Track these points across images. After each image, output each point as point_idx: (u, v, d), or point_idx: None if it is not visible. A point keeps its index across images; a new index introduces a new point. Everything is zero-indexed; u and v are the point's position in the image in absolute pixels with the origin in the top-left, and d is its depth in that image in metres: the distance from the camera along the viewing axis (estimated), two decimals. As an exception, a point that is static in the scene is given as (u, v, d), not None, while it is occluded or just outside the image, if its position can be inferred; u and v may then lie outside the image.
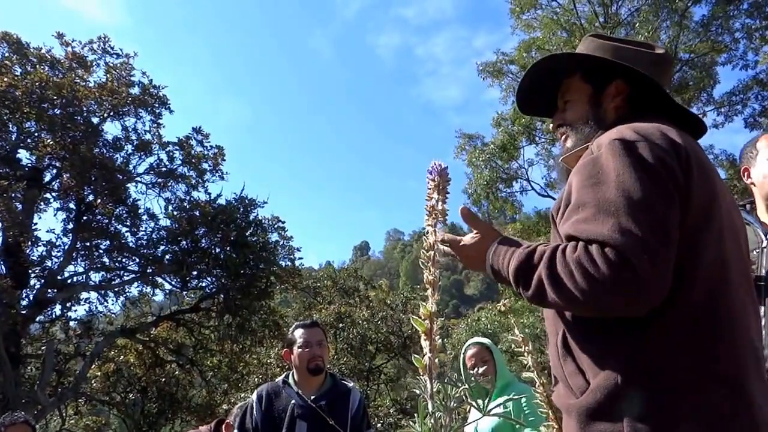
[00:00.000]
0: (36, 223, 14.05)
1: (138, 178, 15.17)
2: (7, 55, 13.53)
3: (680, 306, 1.13)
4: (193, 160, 15.36)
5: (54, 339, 14.77)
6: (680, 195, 1.15)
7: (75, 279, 14.88)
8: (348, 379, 3.35)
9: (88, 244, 14.78)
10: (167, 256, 15.12)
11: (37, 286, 13.99)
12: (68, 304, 14.79)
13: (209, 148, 15.64)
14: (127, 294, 16.00)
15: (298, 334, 3.17)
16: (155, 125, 15.26)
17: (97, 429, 18.26)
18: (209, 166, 15.59)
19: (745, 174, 2.29)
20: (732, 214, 1.29)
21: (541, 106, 1.63)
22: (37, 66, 13.69)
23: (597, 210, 1.13)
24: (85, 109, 13.92)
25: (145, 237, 15.25)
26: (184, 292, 16.45)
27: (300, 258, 16.85)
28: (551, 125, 1.57)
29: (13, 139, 13.58)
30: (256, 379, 16.42)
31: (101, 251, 15.06)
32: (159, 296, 16.93)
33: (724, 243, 1.21)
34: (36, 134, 13.69)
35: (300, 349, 3.10)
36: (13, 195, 13.22)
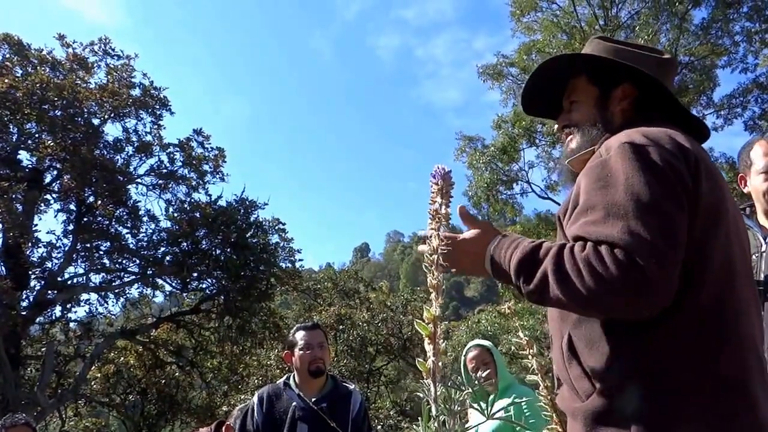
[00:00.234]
0: (36, 225, 14.09)
1: (138, 180, 15.20)
2: (8, 56, 13.56)
3: (687, 309, 1.13)
4: (194, 162, 15.38)
5: (54, 340, 14.79)
6: (689, 199, 1.15)
7: (75, 280, 14.90)
8: (349, 382, 3.35)
9: (88, 245, 14.79)
10: (167, 258, 15.14)
11: (38, 288, 14.03)
12: (68, 306, 14.80)
13: (210, 149, 15.70)
14: (128, 295, 16.04)
15: (300, 336, 3.16)
16: (156, 127, 15.31)
17: (96, 430, 18.24)
18: (210, 167, 15.63)
19: (742, 182, 2.30)
20: (736, 217, 1.30)
21: (543, 107, 1.63)
22: (38, 67, 13.72)
23: (606, 212, 1.13)
24: (85, 110, 13.95)
25: (146, 238, 15.29)
26: (185, 294, 16.47)
27: (300, 260, 16.89)
28: (556, 126, 1.57)
29: (14, 140, 13.60)
30: (256, 381, 16.41)
31: (101, 252, 15.07)
32: (159, 298, 16.98)
33: (730, 246, 1.22)
34: (37, 135, 13.71)
35: (301, 351, 3.10)
36: (13, 196, 13.23)
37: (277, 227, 16.08)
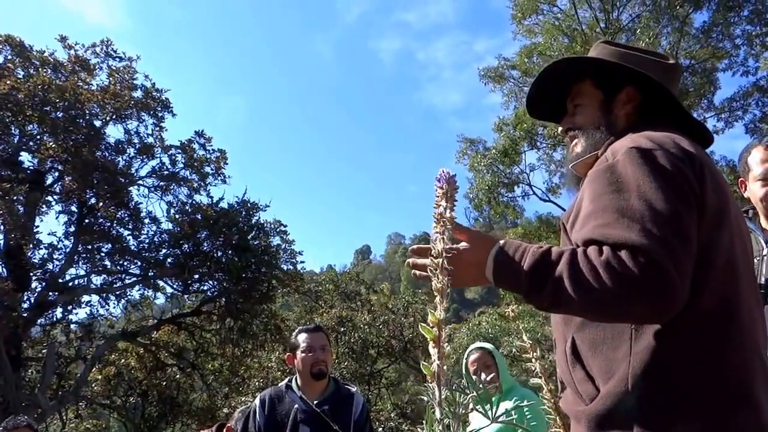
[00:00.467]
0: (38, 226, 14.08)
1: (140, 182, 15.21)
2: (9, 57, 13.56)
3: (690, 311, 1.13)
4: (196, 164, 15.39)
5: (55, 342, 14.77)
6: (696, 203, 1.16)
7: (76, 282, 14.89)
8: (351, 384, 3.35)
9: (89, 247, 14.80)
10: (169, 260, 15.14)
11: (39, 289, 14.01)
12: (69, 307, 14.81)
13: (211, 151, 15.71)
14: (129, 297, 16.01)
15: (302, 338, 3.17)
16: (157, 128, 15.31)
17: (97, 432, 18.25)
18: (211, 169, 15.64)
19: (742, 187, 2.32)
20: (739, 220, 1.30)
21: (548, 110, 1.63)
22: (40, 69, 13.73)
23: (620, 215, 1.13)
24: (87, 112, 13.96)
25: (147, 240, 15.30)
26: (186, 296, 16.47)
27: (301, 262, 16.90)
28: (560, 129, 1.57)
29: (16, 141, 13.61)
30: (257, 383, 16.42)
31: (103, 254, 15.08)
32: (160, 299, 16.98)
33: (733, 249, 1.22)
34: (38, 137, 13.72)
35: (303, 354, 3.10)
36: (15, 198, 13.25)
37: (278, 229, 16.10)
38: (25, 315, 13.18)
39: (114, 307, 15.73)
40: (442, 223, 1.25)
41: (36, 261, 13.94)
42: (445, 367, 1.14)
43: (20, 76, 13.32)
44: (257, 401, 3.12)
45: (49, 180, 14.45)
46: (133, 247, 15.10)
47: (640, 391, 1.13)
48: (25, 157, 13.98)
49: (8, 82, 12.56)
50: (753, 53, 18.44)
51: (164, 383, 17.03)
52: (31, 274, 13.71)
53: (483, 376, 3.26)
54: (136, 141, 15.04)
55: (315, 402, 3.02)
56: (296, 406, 3.01)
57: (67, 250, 14.45)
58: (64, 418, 16.17)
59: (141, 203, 15.25)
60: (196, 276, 15.22)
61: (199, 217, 14.98)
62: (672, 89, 1.45)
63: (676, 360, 1.14)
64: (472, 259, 1.27)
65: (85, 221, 14.59)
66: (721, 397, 1.12)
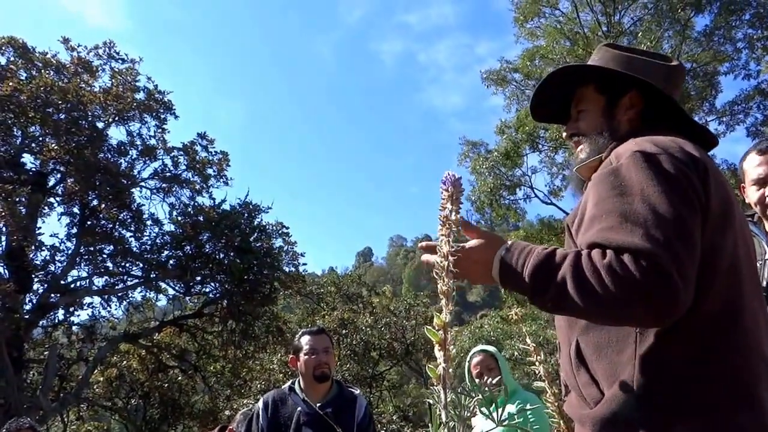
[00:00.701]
0: (40, 228, 14.10)
1: (142, 183, 15.23)
2: (12, 59, 13.58)
3: (695, 315, 1.13)
4: (198, 166, 15.42)
5: (57, 344, 14.79)
6: (700, 207, 1.16)
7: (78, 284, 14.90)
8: (354, 386, 3.35)
9: (91, 248, 14.81)
10: (171, 262, 15.14)
11: (41, 291, 14.00)
12: (71, 309, 14.80)
13: (214, 153, 15.73)
14: (131, 299, 16.00)
15: (305, 340, 3.16)
16: (160, 130, 15.34)
17: (98, 434, 18.25)
18: (214, 171, 15.67)
19: (743, 190, 2.33)
20: (743, 224, 1.31)
21: (551, 113, 1.64)
22: (42, 71, 13.76)
23: (624, 219, 1.13)
24: (90, 114, 13.98)
25: (149, 242, 15.30)
26: (188, 298, 16.46)
27: (303, 264, 16.91)
28: (564, 133, 1.58)
29: (18, 143, 13.63)
30: (259, 385, 16.41)
31: (105, 256, 15.08)
32: (162, 301, 16.96)
33: (737, 253, 1.23)
34: (41, 139, 13.74)
35: (306, 356, 3.10)
36: (17, 199, 13.25)
37: (280, 231, 16.10)
38: (27, 317, 13.18)
39: (116, 309, 15.75)
40: (448, 226, 1.25)
41: (38, 263, 13.94)
42: (450, 370, 1.15)
43: (23, 78, 13.35)
44: (260, 404, 3.11)
45: (52, 182, 14.47)
46: (135, 249, 15.11)
47: (644, 394, 1.14)
48: (27, 159, 14.02)
49: (11, 83, 12.58)
50: (754, 56, 18.48)
51: (166, 385, 17.03)
52: (33, 275, 13.71)
53: (486, 379, 3.26)
54: (138, 143, 15.08)
55: (318, 405, 3.01)
56: (299, 408, 3.01)
57: (69, 251, 14.46)
58: (66, 420, 16.19)
59: (143, 205, 15.30)
60: (198, 278, 15.22)
61: (201, 218, 14.99)
62: (675, 91, 1.46)
63: (681, 363, 1.14)
64: (479, 258, 1.28)
65: (87, 223, 14.60)
66: (722, 397, 1.12)
